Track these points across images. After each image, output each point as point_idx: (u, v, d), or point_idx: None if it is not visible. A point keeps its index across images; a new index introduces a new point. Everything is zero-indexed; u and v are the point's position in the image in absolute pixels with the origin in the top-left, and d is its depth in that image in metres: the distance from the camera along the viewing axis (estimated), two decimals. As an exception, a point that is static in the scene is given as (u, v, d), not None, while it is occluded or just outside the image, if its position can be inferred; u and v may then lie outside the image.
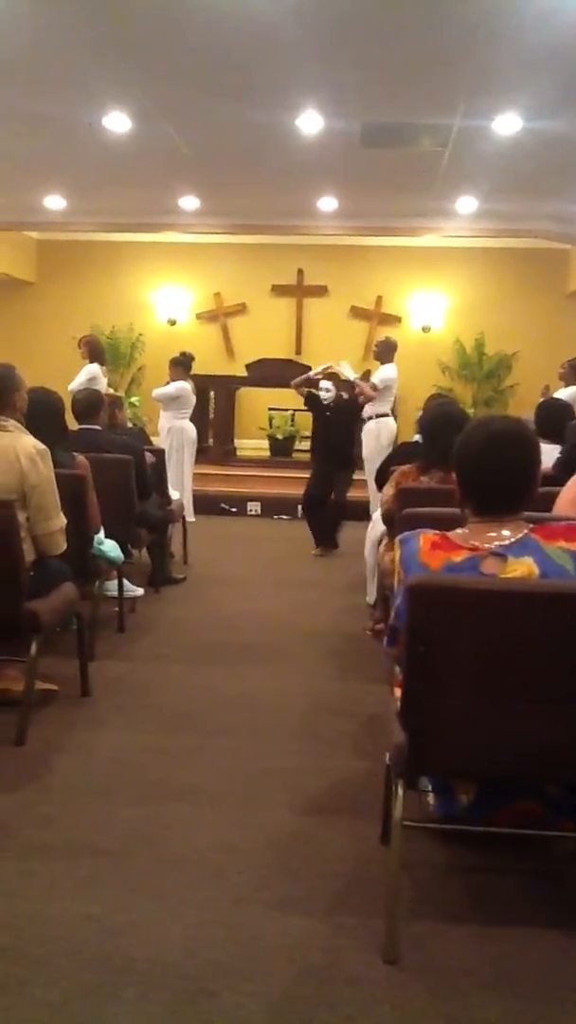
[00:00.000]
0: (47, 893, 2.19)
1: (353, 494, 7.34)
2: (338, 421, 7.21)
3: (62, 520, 3.33)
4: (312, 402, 7.27)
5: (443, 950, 2.02)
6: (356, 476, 7.34)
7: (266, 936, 2.05)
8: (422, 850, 2.42)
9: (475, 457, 2.13)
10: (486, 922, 2.13)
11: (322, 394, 7.15)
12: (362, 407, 7.54)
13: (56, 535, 3.31)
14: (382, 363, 8.00)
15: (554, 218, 9.65)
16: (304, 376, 7.50)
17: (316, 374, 7.39)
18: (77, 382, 7.31)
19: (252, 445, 11.92)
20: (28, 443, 3.20)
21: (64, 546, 3.36)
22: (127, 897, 2.19)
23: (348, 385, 7.63)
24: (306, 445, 11.75)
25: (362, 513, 7.09)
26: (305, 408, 7.56)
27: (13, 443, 3.17)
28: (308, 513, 7.19)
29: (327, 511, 7.12)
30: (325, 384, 7.20)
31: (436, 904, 2.21)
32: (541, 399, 6.58)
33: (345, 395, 7.36)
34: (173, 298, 13.03)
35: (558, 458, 4.06)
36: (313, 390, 7.26)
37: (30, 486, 3.17)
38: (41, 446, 3.23)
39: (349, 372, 7.85)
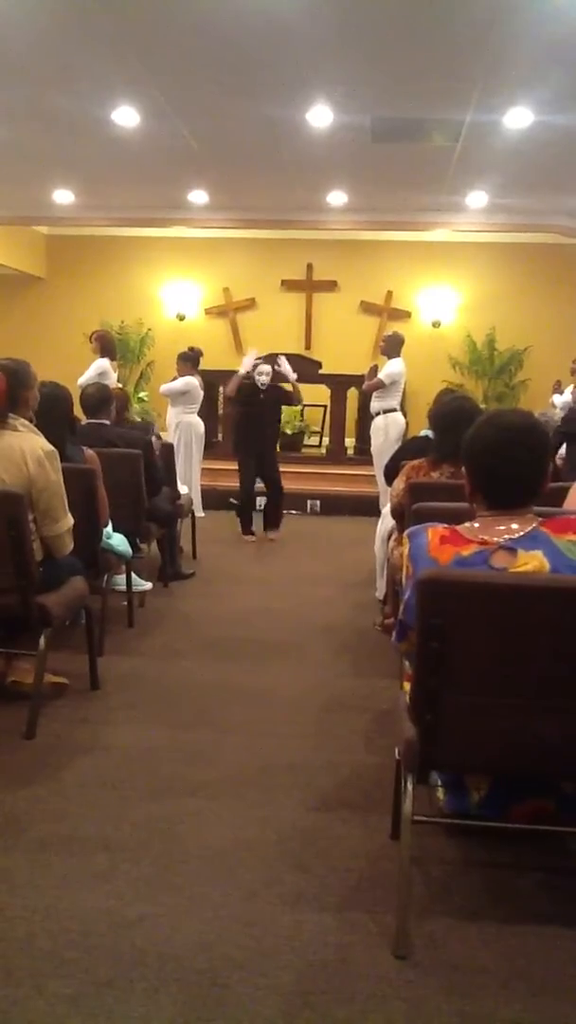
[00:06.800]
0: (60, 887, 2.20)
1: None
2: (270, 404, 7.31)
3: (70, 521, 3.30)
4: (246, 394, 7.26)
5: (457, 947, 2.02)
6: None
7: (278, 931, 2.05)
8: (434, 846, 2.42)
9: (486, 451, 2.11)
10: (501, 919, 2.12)
11: (262, 379, 7.17)
12: (288, 396, 7.53)
13: (64, 536, 3.28)
14: (389, 358, 7.97)
15: (568, 213, 9.61)
16: (237, 378, 7.37)
17: (251, 367, 7.29)
18: (86, 376, 7.33)
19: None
20: (36, 445, 3.14)
21: (71, 546, 3.34)
22: (140, 891, 2.19)
23: (279, 376, 7.51)
24: (315, 440, 11.81)
25: (364, 508, 7.05)
26: (237, 399, 7.42)
27: (20, 444, 3.12)
28: (244, 507, 7.35)
29: (272, 495, 7.34)
30: (264, 368, 7.22)
31: (449, 900, 2.21)
32: (553, 395, 6.57)
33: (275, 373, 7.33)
34: (182, 293, 13.03)
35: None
36: (247, 380, 7.26)
37: (37, 490, 3.13)
38: (49, 447, 3.18)
39: (287, 366, 7.60)
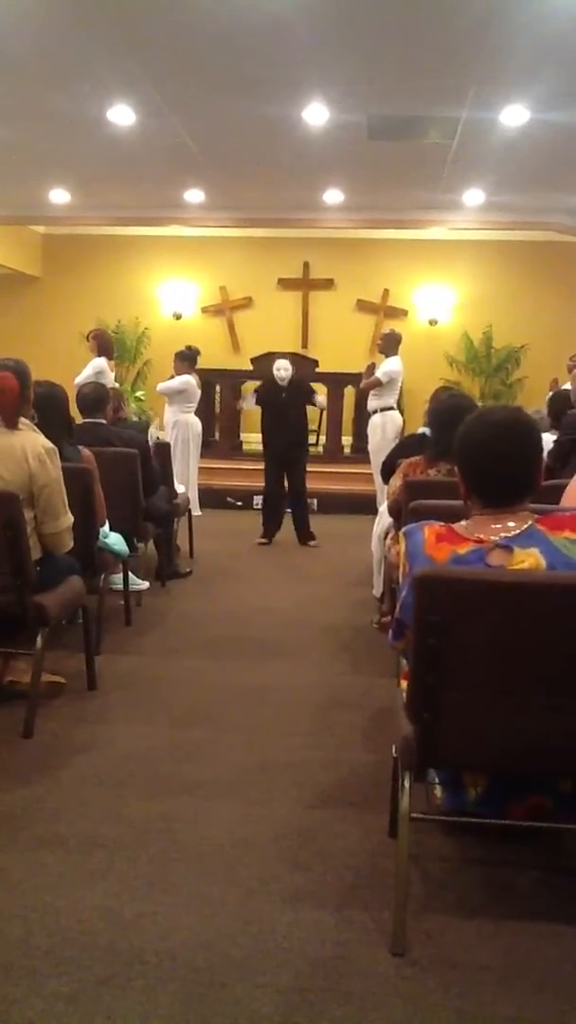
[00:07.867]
0: (57, 885, 2.20)
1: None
2: (294, 403, 7.19)
3: (69, 519, 3.32)
4: (266, 393, 7.22)
5: (455, 944, 2.02)
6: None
7: (276, 929, 2.05)
8: (432, 844, 2.42)
9: (477, 447, 2.12)
10: (498, 916, 2.12)
11: (280, 373, 7.06)
12: (311, 393, 7.45)
13: (63, 534, 3.30)
14: (386, 356, 7.97)
15: (564, 210, 9.60)
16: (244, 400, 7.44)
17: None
18: (83, 376, 7.32)
19: (258, 439, 11.84)
20: (37, 442, 3.18)
21: (71, 544, 3.36)
22: (138, 889, 2.19)
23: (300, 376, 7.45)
24: (312, 439, 11.77)
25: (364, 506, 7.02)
26: (256, 404, 7.49)
27: (22, 442, 3.16)
28: (268, 507, 7.35)
29: (294, 506, 7.24)
30: (282, 363, 7.11)
31: (447, 898, 2.21)
32: (550, 393, 6.57)
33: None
34: (179, 292, 13.01)
35: (551, 446, 4.05)
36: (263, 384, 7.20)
37: (39, 487, 3.16)
38: (50, 445, 3.21)
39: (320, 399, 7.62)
